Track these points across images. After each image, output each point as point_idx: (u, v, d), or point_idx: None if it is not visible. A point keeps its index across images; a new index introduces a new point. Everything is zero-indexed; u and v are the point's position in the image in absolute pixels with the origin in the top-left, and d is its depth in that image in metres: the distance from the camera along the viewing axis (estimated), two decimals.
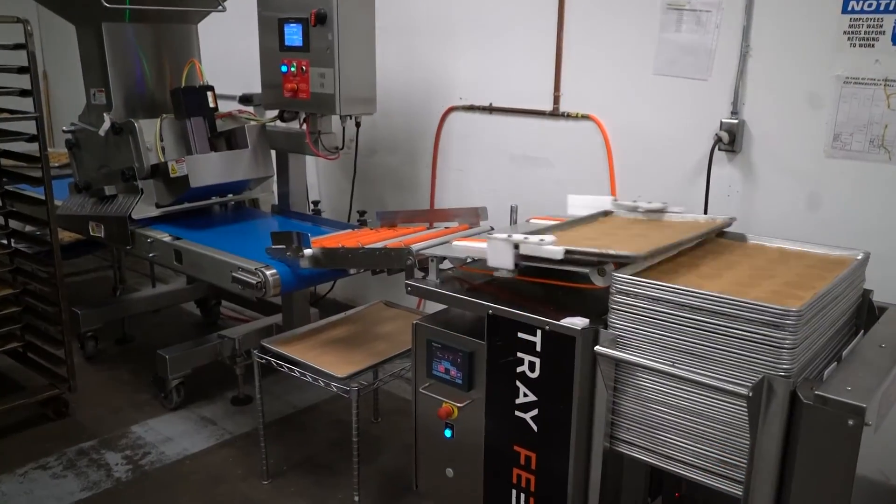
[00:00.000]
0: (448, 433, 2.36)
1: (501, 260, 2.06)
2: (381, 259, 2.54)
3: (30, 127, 3.17)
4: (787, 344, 1.69)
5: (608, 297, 1.97)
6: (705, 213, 2.92)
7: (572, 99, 3.33)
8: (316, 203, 3.75)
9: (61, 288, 3.34)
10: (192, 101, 3.40)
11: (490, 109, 3.62)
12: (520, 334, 2.11)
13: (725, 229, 2.43)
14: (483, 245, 2.17)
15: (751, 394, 1.69)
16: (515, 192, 3.56)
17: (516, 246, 2.04)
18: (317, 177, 4.52)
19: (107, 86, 3.42)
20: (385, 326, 3.09)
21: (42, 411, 3.49)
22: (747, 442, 1.75)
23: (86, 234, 3.61)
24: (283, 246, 2.78)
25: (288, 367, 2.79)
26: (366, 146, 4.20)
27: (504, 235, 2.04)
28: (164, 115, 3.47)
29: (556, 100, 3.37)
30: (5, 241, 3.50)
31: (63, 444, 3.29)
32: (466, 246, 2.24)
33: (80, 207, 3.61)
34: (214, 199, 3.69)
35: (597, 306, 2.09)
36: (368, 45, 3.27)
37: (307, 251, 2.70)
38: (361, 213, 3.43)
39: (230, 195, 3.77)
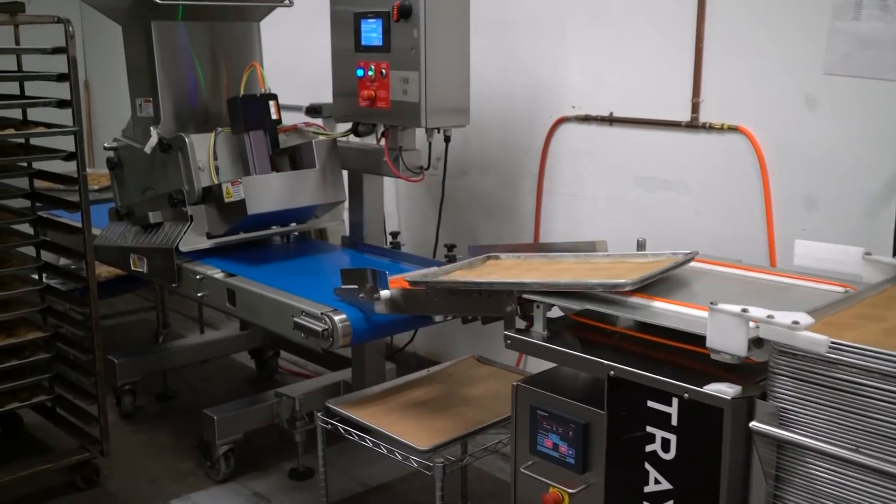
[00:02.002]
0: None
1: (729, 342, 1.88)
2: (475, 304, 2.50)
3: (68, 143, 3.32)
4: None
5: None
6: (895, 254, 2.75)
7: (716, 106, 3.24)
8: (395, 235, 3.77)
9: (97, 332, 3.46)
10: (251, 112, 3.50)
11: (610, 120, 3.56)
12: (650, 403, 2.03)
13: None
14: (689, 311, 2.09)
15: None
16: (642, 223, 3.48)
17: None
18: (396, 203, 4.56)
19: (155, 95, 3.56)
20: (477, 388, 3.05)
21: (70, 478, 3.59)
22: None
23: (126, 269, 3.74)
24: (356, 286, 2.79)
25: (358, 435, 2.77)
26: (455, 166, 4.21)
27: (735, 309, 1.85)
28: (219, 129, 3.58)
29: (695, 107, 3.28)
30: (36, 276, 3.66)
31: None
32: (665, 309, 2.14)
33: (121, 237, 3.75)
34: (275, 229, 3.76)
35: (753, 370, 1.99)
36: (461, 43, 3.29)
37: (384, 293, 2.70)
38: (450, 248, 3.42)
39: (294, 224, 3.83)
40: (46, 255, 3.69)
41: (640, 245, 2.72)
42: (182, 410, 4.37)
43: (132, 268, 3.67)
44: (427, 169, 3.52)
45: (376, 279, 2.70)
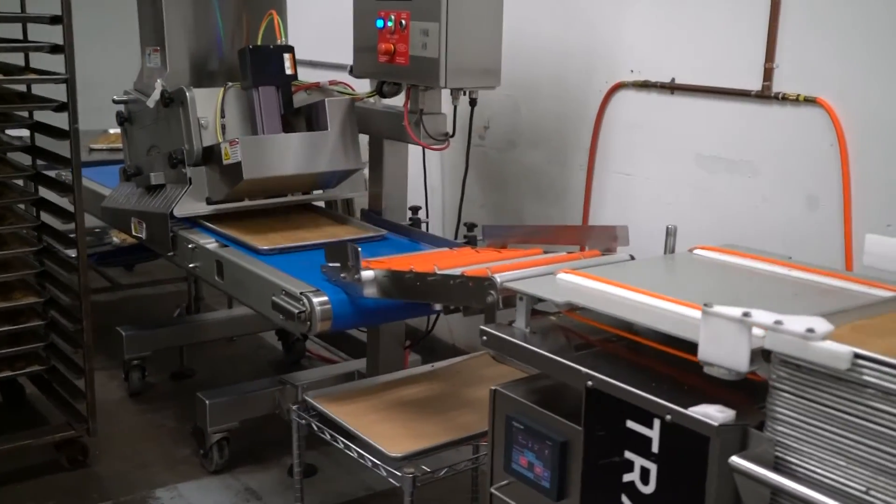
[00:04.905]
0: None
1: (725, 353, 1.62)
2: (456, 291, 2.31)
3: (60, 93, 3.28)
4: None
5: None
6: None
7: (793, 73, 2.94)
8: (415, 210, 3.59)
9: (85, 300, 3.42)
10: (261, 66, 3.38)
11: (672, 88, 3.29)
12: (630, 423, 1.80)
13: None
14: (675, 310, 1.89)
15: None
16: (702, 209, 3.22)
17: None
18: (441, 175, 4.38)
19: (162, 43, 3.49)
20: (482, 389, 2.84)
21: (58, 456, 3.58)
22: None
23: (130, 234, 3.70)
24: (339, 264, 2.63)
25: (331, 435, 2.63)
26: (503, 137, 4.01)
27: (735, 313, 1.59)
28: (230, 84, 3.48)
29: (768, 74, 2.98)
30: (36, 237, 3.66)
31: (68, 502, 3.36)
32: (668, 310, 1.92)
33: (127, 199, 3.71)
34: (291, 198, 3.63)
35: (765, 390, 1.73)
36: None
37: (365, 273, 2.53)
38: (470, 227, 3.23)
39: (320, 192, 3.69)
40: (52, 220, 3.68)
41: (669, 233, 2.47)
42: (195, 391, 4.29)
43: (133, 232, 3.62)
44: (452, 136, 3.33)
45: (355, 257, 2.53)
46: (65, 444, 3.57)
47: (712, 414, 1.65)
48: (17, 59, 3.57)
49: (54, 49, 3.25)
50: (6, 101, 3.52)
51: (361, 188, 3.70)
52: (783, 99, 2.93)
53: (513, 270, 2.28)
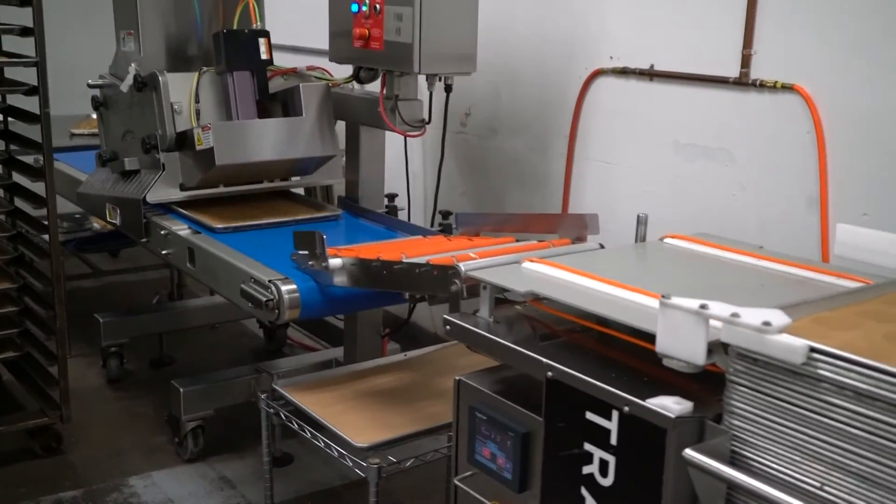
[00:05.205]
0: None
1: (682, 345, 1.60)
2: (421, 280, 2.28)
3: (30, 76, 3.24)
4: None
5: None
6: None
7: (771, 60, 2.90)
8: (391, 198, 3.55)
9: (57, 286, 3.40)
10: (235, 50, 3.33)
11: (650, 75, 3.25)
12: (589, 415, 1.78)
13: None
14: (632, 299, 1.87)
15: None
16: (680, 197, 3.19)
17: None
18: (423, 162, 4.34)
19: (136, 25, 3.44)
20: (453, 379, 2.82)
21: (30, 443, 3.55)
22: None
23: (105, 220, 3.66)
24: (307, 251, 2.60)
25: (298, 424, 2.60)
26: (484, 123, 3.97)
27: (693, 305, 1.56)
28: (205, 69, 3.44)
29: (746, 61, 2.94)
30: (10, 222, 3.62)
31: (40, 489, 3.33)
32: (628, 300, 1.90)
33: (102, 185, 3.67)
34: (266, 184, 3.59)
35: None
36: None
37: (333, 261, 2.50)
38: (445, 216, 3.20)
39: (297, 178, 3.65)
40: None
41: (640, 221, 2.44)
42: (174, 378, 4.28)
43: (108, 218, 3.58)
44: (429, 122, 3.29)
45: (321, 244, 2.50)
46: (38, 431, 3.54)
47: (669, 406, 1.63)
48: None
49: (24, 32, 3.21)
50: None
51: (339, 175, 3.66)
52: (761, 86, 2.90)
53: (479, 259, 2.25)
